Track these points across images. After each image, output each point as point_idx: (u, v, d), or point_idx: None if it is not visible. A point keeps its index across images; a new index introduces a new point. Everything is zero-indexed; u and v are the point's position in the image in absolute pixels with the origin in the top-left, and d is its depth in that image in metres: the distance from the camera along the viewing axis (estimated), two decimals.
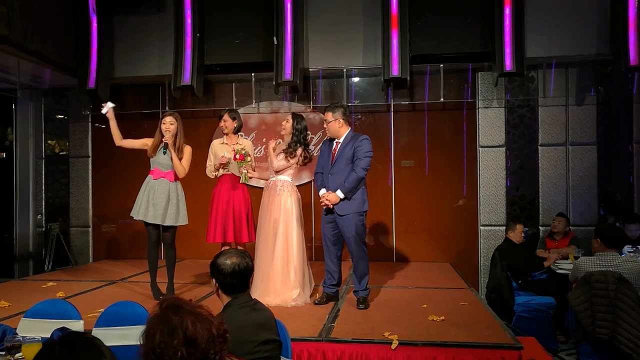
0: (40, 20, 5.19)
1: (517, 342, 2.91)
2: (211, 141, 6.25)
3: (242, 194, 4.40)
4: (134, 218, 4.12)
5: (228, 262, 2.05)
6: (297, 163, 4.11)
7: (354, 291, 3.94)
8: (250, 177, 4.32)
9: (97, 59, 5.85)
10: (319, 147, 6.13)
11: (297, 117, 4.17)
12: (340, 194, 3.75)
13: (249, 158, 4.22)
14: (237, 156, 4.19)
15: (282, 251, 3.96)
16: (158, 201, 4.06)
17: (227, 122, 4.40)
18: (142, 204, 4.07)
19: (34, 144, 6.69)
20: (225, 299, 2.07)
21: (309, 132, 6.10)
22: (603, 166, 5.78)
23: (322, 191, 3.87)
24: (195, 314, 1.40)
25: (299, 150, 4.09)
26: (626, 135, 5.79)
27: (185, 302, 1.45)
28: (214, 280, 2.08)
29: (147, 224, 4.11)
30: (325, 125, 3.91)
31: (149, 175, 4.16)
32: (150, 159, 4.15)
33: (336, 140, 3.91)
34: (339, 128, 3.86)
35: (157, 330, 1.36)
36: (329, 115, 3.85)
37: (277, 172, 4.13)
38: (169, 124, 4.08)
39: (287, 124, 4.14)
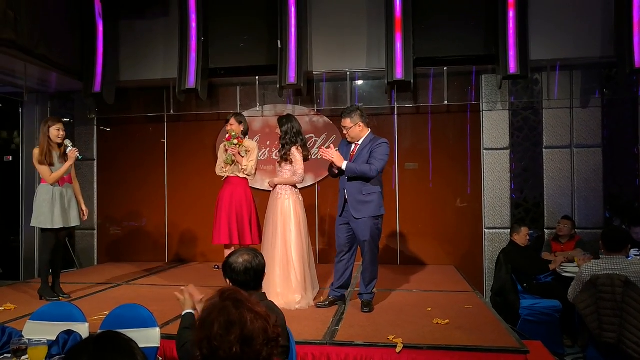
0: (47, 24, 5.22)
1: (522, 346, 2.90)
2: (215, 144, 6.34)
3: (244, 196, 4.40)
4: (50, 227, 4.13)
5: (240, 260, 2.10)
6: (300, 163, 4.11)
7: (359, 294, 3.92)
8: (236, 162, 4.33)
9: (102, 63, 5.89)
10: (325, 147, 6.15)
11: (281, 120, 4.20)
12: (344, 165, 3.73)
13: (235, 141, 4.29)
14: (227, 135, 4.30)
15: (282, 255, 3.98)
16: (72, 204, 4.26)
17: (234, 126, 4.42)
18: (56, 211, 4.12)
19: None
20: None
21: (312, 134, 6.17)
22: (608, 168, 5.75)
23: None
24: (255, 312, 1.38)
25: (293, 150, 4.09)
26: (631, 137, 5.76)
27: (246, 297, 1.43)
28: (228, 281, 2.11)
29: (52, 229, 4.15)
30: (345, 132, 3.85)
31: (47, 185, 4.15)
32: (50, 167, 4.13)
33: (355, 142, 3.89)
34: (359, 132, 3.83)
35: (216, 321, 1.34)
36: (348, 122, 3.80)
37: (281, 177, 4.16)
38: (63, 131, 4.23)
39: (277, 130, 4.20)
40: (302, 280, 3.96)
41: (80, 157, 4.27)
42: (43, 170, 4.11)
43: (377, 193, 3.78)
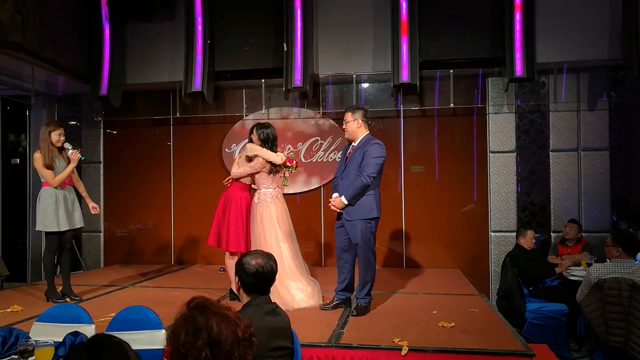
0: (54, 28, 5.27)
1: (528, 350, 2.88)
2: (221, 147, 6.37)
3: (234, 202, 4.29)
4: (57, 230, 4.13)
5: (253, 262, 2.10)
6: (259, 169, 4.07)
7: (356, 297, 3.91)
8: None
9: (109, 66, 5.92)
10: (328, 152, 6.17)
11: (255, 126, 4.21)
12: (344, 199, 3.72)
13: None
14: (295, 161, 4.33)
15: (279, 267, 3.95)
16: (75, 206, 4.27)
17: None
18: (61, 214, 4.13)
19: None
20: (245, 299, 2.10)
21: (317, 137, 6.18)
22: (616, 172, 5.72)
23: (334, 195, 3.85)
24: (221, 315, 1.41)
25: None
26: (639, 140, 5.72)
27: (213, 303, 1.46)
28: (237, 279, 2.12)
29: (56, 232, 4.15)
30: (344, 126, 3.89)
31: (49, 188, 4.14)
32: (53, 170, 4.13)
33: (352, 143, 3.90)
34: (356, 129, 3.83)
35: (182, 330, 1.37)
36: (349, 116, 3.83)
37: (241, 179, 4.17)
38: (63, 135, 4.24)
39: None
40: (303, 287, 3.97)
41: (82, 159, 4.30)
42: (47, 173, 4.12)
43: (370, 195, 3.72)
